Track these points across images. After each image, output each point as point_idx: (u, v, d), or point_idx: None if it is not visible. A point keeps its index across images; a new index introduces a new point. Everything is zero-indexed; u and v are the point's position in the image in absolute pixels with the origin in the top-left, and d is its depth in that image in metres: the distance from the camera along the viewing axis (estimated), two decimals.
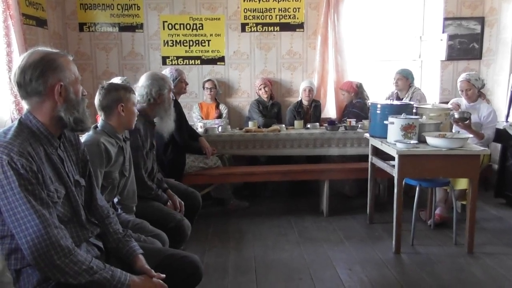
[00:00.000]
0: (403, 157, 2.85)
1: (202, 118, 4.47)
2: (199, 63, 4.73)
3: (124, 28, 4.62)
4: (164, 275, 1.59)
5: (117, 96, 2.09)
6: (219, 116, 4.51)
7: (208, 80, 4.58)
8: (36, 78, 1.41)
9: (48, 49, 1.48)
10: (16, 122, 1.47)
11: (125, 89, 2.16)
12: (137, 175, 2.33)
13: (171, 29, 4.65)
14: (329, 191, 3.79)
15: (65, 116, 1.47)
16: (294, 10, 4.74)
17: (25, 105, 1.48)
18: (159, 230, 2.20)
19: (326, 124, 4.09)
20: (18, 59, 1.46)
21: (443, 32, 4.81)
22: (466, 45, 4.86)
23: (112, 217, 1.73)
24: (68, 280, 1.38)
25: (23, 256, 1.37)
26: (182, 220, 2.39)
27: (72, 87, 1.48)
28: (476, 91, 3.74)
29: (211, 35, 4.70)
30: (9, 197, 1.33)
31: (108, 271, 1.45)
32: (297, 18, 4.76)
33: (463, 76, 3.77)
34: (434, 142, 2.87)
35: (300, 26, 4.77)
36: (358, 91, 4.51)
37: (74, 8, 4.55)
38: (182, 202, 2.58)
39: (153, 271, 1.60)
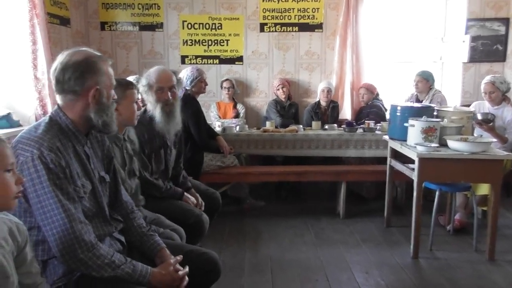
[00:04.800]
0: (423, 160, 2.81)
1: (220, 117, 4.49)
2: (217, 62, 4.76)
3: (144, 27, 4.67)
4: (187, 269, 1.60)
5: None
6: (237, 115, 4.53)
7: (226, 79, 4.60)
8: (75, 78, 1.45)
9: (91, 50, 1.52)
10: (46, 118, 1.51)
11: (121, 85, 2.02)
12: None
13: (191, 28, 4.69)
14: (346, 192, 3.77)
15: (94, 117, 1.51)
16: (313, 10, 4.72)
17: (58, 100, 1.51)
18: (176, 225, 2.21)
19: (344, 125, 4.06)
20: (61, 55, 1.49)
21: (465, 33, 4.72)
22: (490, 46, 4.77)
23: (136, 212, 1.77)
24: (91, 273, 1.42)
25: (49, 247, 1.41)
26: (201, 215, 2.41)
27: (106, 91, 1.52)
28: (500, 94, 3.66)
29: (229, 34, 4.72)
30: (38, 190, 1.37)
31: (130, 265, 1.48)
32: (316, 19, 4.74)
33: (487, 78, 3.70)
34: (456, 145, 2.82)
35: (319, 26, 4.75)
36: (377, 93, 4.49)
37: (96, 7, 4.62)
38: (203, 202, 2.59)
39: (177, 264, 1.62)
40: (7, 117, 3.26)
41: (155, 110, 2.40)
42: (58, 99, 1.52)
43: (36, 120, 3.45)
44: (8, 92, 3.46)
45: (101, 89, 1.50)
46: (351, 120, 4.39)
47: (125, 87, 2.02)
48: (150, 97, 2.40)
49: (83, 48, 1.53)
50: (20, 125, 3.35)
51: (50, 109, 3.52)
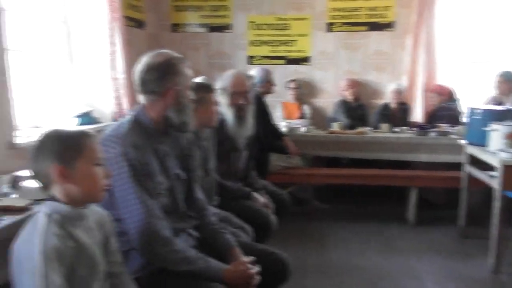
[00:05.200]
0: (507, 168, 2.60)
1: (285, 117, 4.48)
2: (283, 63, 4.75)
3: (213, 28, 4.78)
4: (258, 268, 1.61)
5: None
6: (302, 116, 4.49)
7: (292, 80, 4.58)
8: (157, 78, 1.52)
9: (172, 52, 1.59)
10: (129, 117, 1.58)
11: (203, 88, 2.07)
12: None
13: (258, 29, 4.72)
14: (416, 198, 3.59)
15: (173, 117, 1.57)
16: (384, 8, 4.56)
17: (141, 100, 1.59)
18: (245, 224, 2.23)
19: (415, 128, 3.88)
20: (145, 57, 1.57)
21: None
22: None
23: (209, 210, 1.80)
24: (167, 266, 1.47)
25: (130, 239, 1.48)
26: (268, 215, 2.41)
27: (184, 92, 1.58)
28: None
29: (297, 35, 4.69)
30: (121, 185, 1.44)
31: (204, 261, 1.52)
32: (387, 17, 4.57)
33: None
34: None
35: (390, 25, 4.58)
36: (450, 95, 4.23)
37: (168, 10, 4.81)
38: (272, 205, 2.58)
39: (246, 261, 1.63)
40: (88, 114, 3.49)
41: (227, 113, 2.44)
42: (141, 98, 1.59)
43: (113, 117, 3.66)
44: (89, 91, 3.69)
45: (180, 90, 1.56)
46: (423, 123, 4.18)
47: (207, 89, 2.10)
48: (224, 101, 2.45)
49: (165, 50, 1.60)
50: (99, 122, 3.57)
51: (125, 107, 3.71)
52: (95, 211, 1.28)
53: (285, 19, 4.68)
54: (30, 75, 3.09)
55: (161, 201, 1.55)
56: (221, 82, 2.46)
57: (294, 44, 4.71)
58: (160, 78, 1.53)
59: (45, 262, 1.05)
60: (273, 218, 2.43)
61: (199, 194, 1.81)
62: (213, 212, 1.86)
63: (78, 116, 3.39)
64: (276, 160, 3.62)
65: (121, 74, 3.68)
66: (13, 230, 1.51)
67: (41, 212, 1.15)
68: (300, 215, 3.88)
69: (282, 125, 4.04)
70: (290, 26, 4.68)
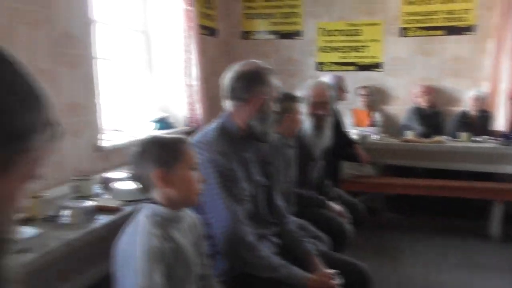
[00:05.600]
0: None
1: (355, 125, 4.38)
2: (354, 69, 4.66)
3: (283, 35, 4.81)
4: (341, 280, 1.58)
5: None
6: (373, 123, 4.37)
7: (363, 86, 4.47)
8: (245, 86, 1.56)
9: (260, 62, 1.63)
10: (215, 123, 1.63)
11: (289, 98, 2.15)
12: None
13: (328, 35, 4.68)
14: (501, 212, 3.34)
15: (256, 125, 1.59)
16: (463, 11, 4.32)
17: (228, 107, 1.63)
18: (321, 233, 2.20)
19: (499, 138, 3.62)
20: (235, 66, 1.62)
21: None
22: None
23: (288, 217, 1.81)
24: (250, 272, 1.49)
25: (216, 243, 1.51)
26: (343, 224, 2.36)
27: (269, 102, 1.60)
28: None
29: (368, 40, 4.58)
30: (210, 190, 1.48)
31: (287, 268, 1.52)
32: (466, 21, 4.33)
33: None
34: None
35: (469, 29, 4.33)
36: None
37: (239, 18, 4.91)
38: (347, 212, 2.53)
39: (330, 272, 1.60)
40: (165, 119, 3.65)
41: (306, 123, 2.44)
42: (228, 105, 1.63)
43: (186, 123, 3.80)
44: (165, 97, 3.87)
45: (266, 99, 1.59)
46: (507, 132, 3.89)
47: (293, 100, 2.14)
48: (303, 110, 2.45)
49: (255, 60, 1.64)
50: (174, 127, 3.72)
51: (198, 113, 3.84)
52: (188, 214, 1.33)
53: (356, 25, 4.60)
54: (113, 81, 3.30)
55: (245, 207, 1.57)
56: (301, 91, 2.46)
57: (365, 50, 4.60)
58: (247, 86, 1.57)
59: (148, 261, 1.10)
60: (348, 227, 2.38)
61: (280, 201, 1.82)
62: (293, 220, 1.85)
63: (155, 121, 3.56)
64: (347, 168, 3.55)
65: (195, 81, 3.81)
66: (108, 229, 1.62)
67: (142, 213, 1.21)
68: (372, 225, 3.76)
69: (352, 133, 3.95)
70: (361, 31, 4.59)
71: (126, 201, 1.81)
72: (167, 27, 3.77)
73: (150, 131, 3.40)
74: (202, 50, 3.90)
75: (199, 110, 3.85)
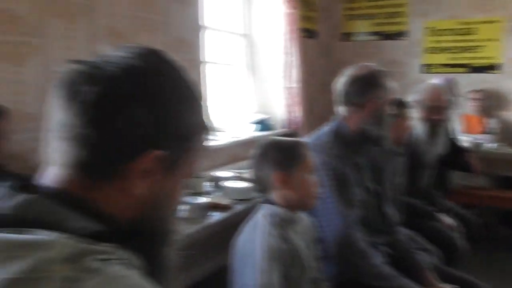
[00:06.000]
0: None
1: (465, 131, 4.04)
2: (465, 71, 4.31)
3: (385, 36, 4.63)
4: None
5: None
6: (487, 130, 3.99)
7: (476, 90, 4.11)
8: (359, 90, 1.54)
9: (375, 66, 1.60)
10: (328, 127, 1.62)
11: (399, 103, 2.08)
12: None
13: (436, 35, 4.39)
14: None
15: (370, 130, 1.56)
16: None
17: (340, 111, 1.61)
18: (431, 246, 2.07)
19: None
20: (349, 69, 1.60)
21: None
22: None
23: (399, 227, 1.73)
24: (361, 279, 1.46)
25: (326, 247, 1.50)
26: (455, 239, 2.19)
27: (384, 105, 1.56)
28: None
29: (484, 40, 4.20)
30: (322, 193, 1.47)
31: (399, 279, 1.46)
32: None
33: None
34: None
35: None
36: None
37: (340, 19, 4.83)
38: (459, 226, 2.35)
39: (447, 287, 1.51)
40: (265, 121, 3.72)
41: (419, 128, 2.32)
42: (341, 110, 1.61)
43: (285, 125, 3.84)
44: (265, 99, 3.95)
45: (381, 103, 1.55)
46: None
47: (401, 105, 2.07)
48: (417, 114, 2.33)
49: (369, 64, 1.60)
50: (274, 129, 3.78)
51: (297, 115, 3.85)
52: (302, 217, 1.33)
53: (470, 23, 4.25)
54: (216, 84, 3.45)
55: (356, 213, 1.54)
56: (416, 95, 2.35)
57: (480, 50, 4.23)
58: (362, 90, 1.54)
59: (267, 260, 1.13)
60: (460, 242, 2.21)
61: (391, 210, 1.75)
62: (403, 230, 1.77)
63: (256, 123, 3.65)
64: (457, 178, 3.29)
65: (294, 83, 3.83)
66: (221, 225, 1.69)
67: (261, 213, 1.24)
68: (483, 242, 3.44)
69: (463, 140, 3.65)
70: (475, 30, 4.22)
71: (237, 199, 1.88)
72: (269, 30, 3.84)
73: (251, 132, 3.50)
74: (302, 52, 3.91)
75: (298, 113, 3.87)
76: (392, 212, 1.75)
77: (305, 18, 4.23)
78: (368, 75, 1.56)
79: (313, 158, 1.48)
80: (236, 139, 3.22)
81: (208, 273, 1.69)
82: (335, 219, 1.47)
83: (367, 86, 1.54)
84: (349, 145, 1.57)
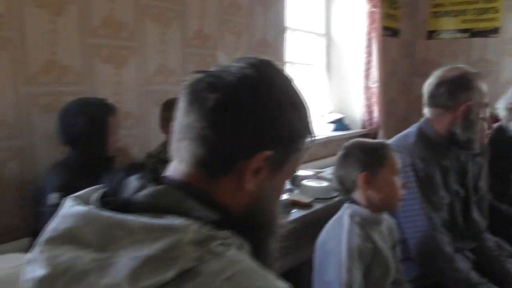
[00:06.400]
0: None
1: None
2: None
3: (475, 33, 4.35)
4: None
5: None
6: None
7: None
8: (448, 93, 1.51)
9: (467, 67, 1.55)
10: (414, 128, 1.60)
11: None
12: None
13: None
14: None
15: (460, 133, 1.52)
16: None
17: (426, 113, 1.59)
18: None
19: None
20: (437, 71, 1.58)
21: None
22: None
23: (487, 233, 1.66)
24: (445, 283, 1.44)
25: (407, 248, 1.49)
26: None
27: (476, 108, 1.51)
28: None
29: None
30: (406, 195, 1.46)
31: (486, 286, 1.40)
32: None
33: None
34: None
35: None
36: None
37: (425, 17, 4.63)
38: None
39: None
40: (341, 121, 3.70)
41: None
42: (427, 111, 1.59)
43: (363, 125, 3.79)
44: (342, 99, 3.92)
45: (472, 106, 1.51)
46: None
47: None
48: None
49: (460, 65, 1.56)
50: (350, 129, 3.75)
51: (375, 115, 3.78)
52: (386, 218, 1.34)
53: None
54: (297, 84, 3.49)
55: (441, 216, 1.51)
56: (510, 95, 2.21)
57: None
58: (452, 92, 1.50)
59: (350, 258, 1.16)
60: None
61: (477, 215, 1.68)
62: (491, 237, 1.69)
63: (332, 122, 3.64)
64: None
65: (373, 83, 3.76)
66: (301, 222, 1.74)
67: (345, 213, 1.27)
68: None
69: None
70: None
71: (315, 198, 1.92)
72: (349, 29, 3.81)
73: (328, 131, 3.50)
74: (383, 51, 3.82)
75: (376, 113, 3.79)
76: (479, 217, 1.68)
77: (387, 16, 4.12)
78: (459, 77, 1.52)
79: (398, 160, 1.49)
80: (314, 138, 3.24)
81: (287, 268, 1.74)
82: (419, 221, 1.45)
83: (459, 88, 1.50)
84: (435, 148, 1.54)
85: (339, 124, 3.68)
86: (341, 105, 3.94)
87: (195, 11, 2.41)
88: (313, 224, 1.47)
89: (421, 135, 1.56)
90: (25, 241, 1.56)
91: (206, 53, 2.49)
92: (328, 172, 2.29)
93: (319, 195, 1.91)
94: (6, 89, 1.65)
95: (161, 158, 1.81)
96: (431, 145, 1.54)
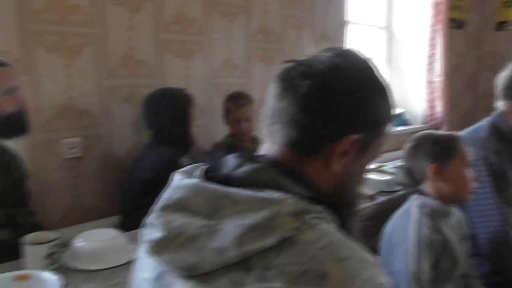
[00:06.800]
0: None
1: None
2: None
3: None
4: None
5: None
6: None
7: None
8: None
9: None
10: (486, 121, 1.56)
11: None
12: None
13: None
14: None
15: None
16: None
17: (500, 106, 1.54)
18: None
19: None
20: None
21: None
22: None
23: None
24: None
25: (476, 244, 1.46)
26: None
27: None
28: None
29: None
30: (478, 189, 1.43)
31: None
32: None
33: None
34: None
35: None
36: None
37: (495, 7, 4.39)
38: None
39: None
40: (401, 115, 3.63)
41: None
42: (501, 104, 1.54)
43: (424, 120, 3.68)
44: (402, 93, 3.83)
45: None
46: None
47: None
48: None
49: None
50: (409, 124, 3.66)
51: (438, 110, 3.66)
52: (455, 211, 1.33)
53: None
54: None
55: None
56: None
57: None
58: None
59: (418, 249, 1.17)
60: None
61: None
62: None
63: None
64: None
65: (437, 77, 3.64)
66: (363, 214, 1.75)
67: (413, 204, 1.28)
68: None
69: None
70: None
71: (380, 191, 1.92)
72: (412, 22, 3.71)
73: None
74: (448, 44, 3.69)
75: (439, 108, 3.67)
76: None
77: (453, 7, 3.95)
78: None
79: (470, 153, 1.46)
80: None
81: None
82: (491, 216, 1.42)
83: None
84: (509, 141, 1.50)
85: (399, 119, 3.61)
86: (401, 100, 3.84)
87: (259, 6, 2.47)
88: (376, 217, 1.48)
89: (495, 128, 1.52)
90: (110, 219, 1.73)
91: (269, 47, 2.55)
92: (389, 166, 2.27)
93: (382, 188, 1.91)
94: (91, 82, 1.81)
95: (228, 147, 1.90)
96: (505, 139, 1.50)
